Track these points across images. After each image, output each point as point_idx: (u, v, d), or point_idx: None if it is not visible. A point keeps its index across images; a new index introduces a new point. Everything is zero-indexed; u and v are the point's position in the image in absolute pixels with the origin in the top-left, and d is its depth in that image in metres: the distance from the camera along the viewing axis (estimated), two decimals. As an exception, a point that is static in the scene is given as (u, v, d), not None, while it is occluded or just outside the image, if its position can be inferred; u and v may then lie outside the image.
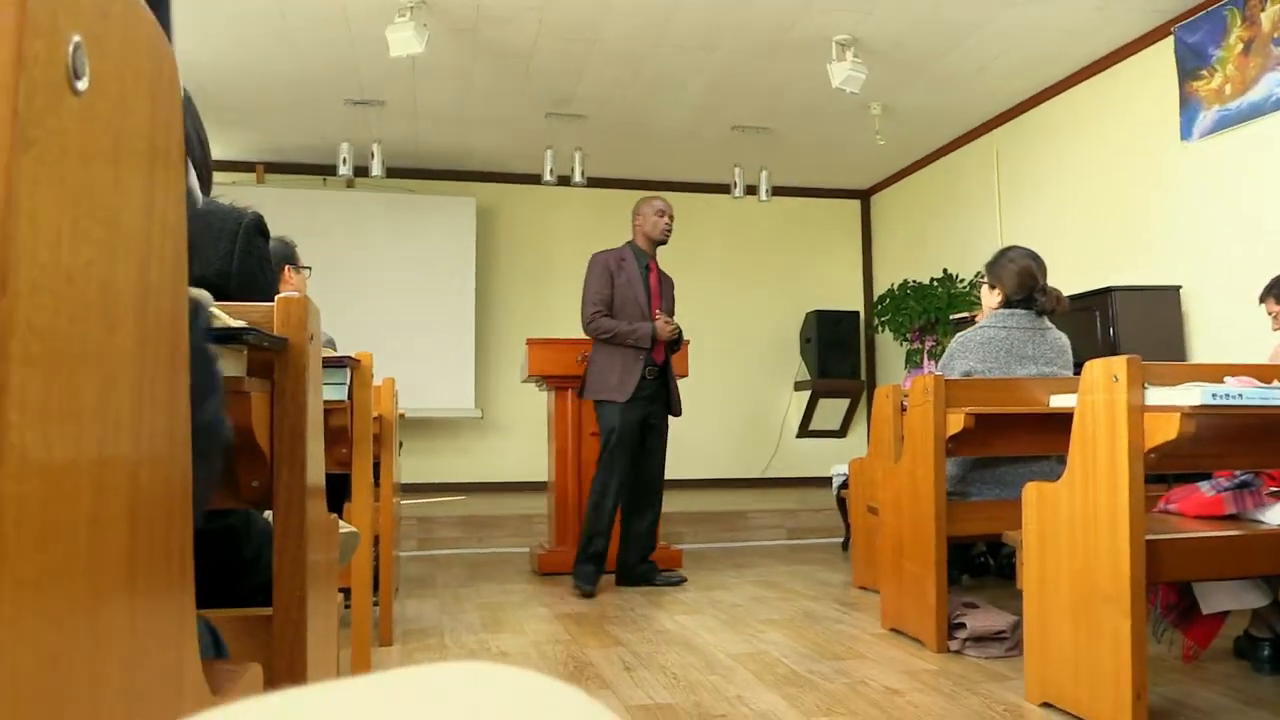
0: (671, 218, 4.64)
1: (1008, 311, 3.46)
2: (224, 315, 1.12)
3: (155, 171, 0.54)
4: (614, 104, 6.58)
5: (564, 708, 0.25)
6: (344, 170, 7.06)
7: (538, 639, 3.43)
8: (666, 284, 4.68)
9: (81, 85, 0.44)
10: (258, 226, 1.60)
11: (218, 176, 7.40)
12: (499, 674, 0.26)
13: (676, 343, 4.59)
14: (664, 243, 4.64)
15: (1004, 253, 3.58)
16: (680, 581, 4.53)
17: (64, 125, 0.43)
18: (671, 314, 4.63)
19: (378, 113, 6.62)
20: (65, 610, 0.42)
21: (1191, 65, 5.00)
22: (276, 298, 1.26)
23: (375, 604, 3.32)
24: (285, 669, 1.18)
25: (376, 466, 3.39)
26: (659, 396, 4.56)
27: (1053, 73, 5.99)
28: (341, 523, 2.08)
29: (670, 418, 4.64)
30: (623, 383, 4.46)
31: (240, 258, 1.55)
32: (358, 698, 0.23)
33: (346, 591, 2.97)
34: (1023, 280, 3.45)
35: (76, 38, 0.43)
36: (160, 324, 0.55)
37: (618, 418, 4.43)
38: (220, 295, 1.48)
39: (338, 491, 3.05)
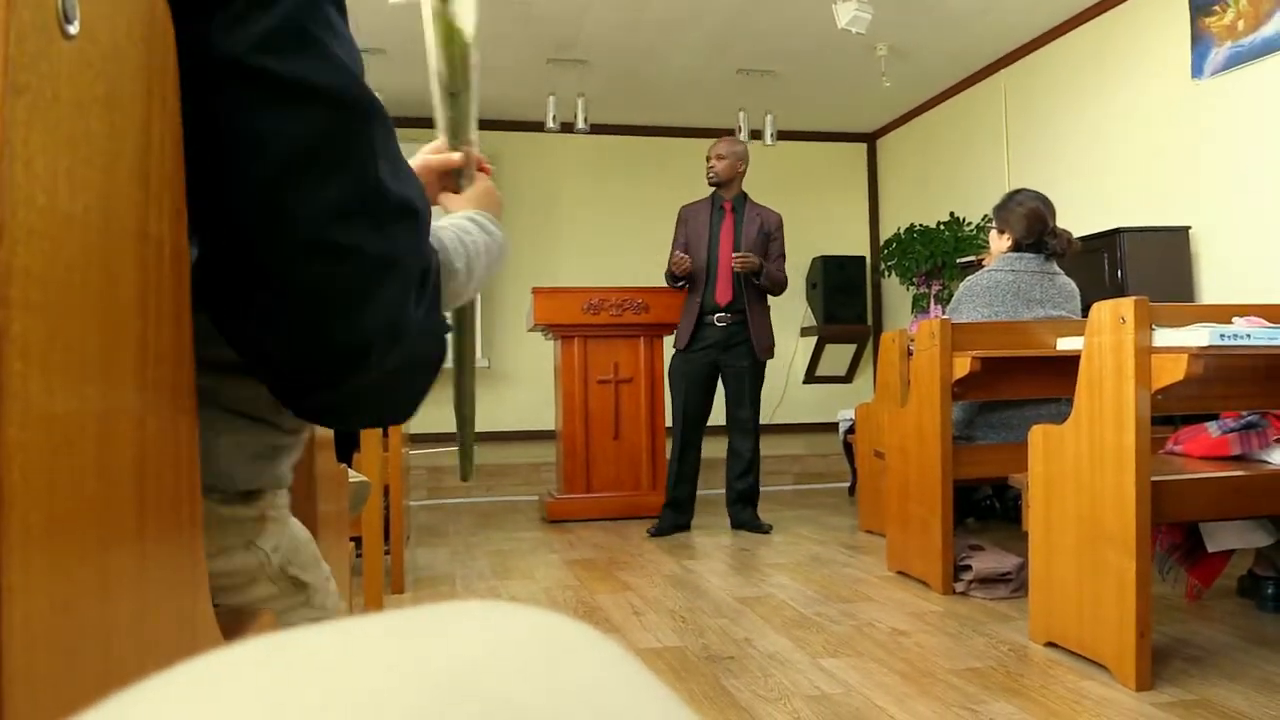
0: (719, 156, 4.64)
1: (1016, 255, 3.44)
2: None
3: (151, 117, 0.53)
4: (616, 49, 6.49)
5: (576, 642, 0.25)
6: (345, 120, 6.98)
7: (548, 585, 3.47)
8: (751, 223, 4.58)
9: (73, 29, 0.43)
10: None
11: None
12: (511, 610, 0.26)
13: (756, 275, 4.50)
14: (717, 185, 4.63)
15: (1012, 196, 3.55)
16: (767, 530, 4.52)
17: (56, 70, 0.42)
18: (765, 250, 4.53)
19: (379, 61, 6.53)
20: (75, 558, 0.43)
21: (1204, 1, 4.91)
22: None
23: (387, 552, 3.35)
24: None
25: (384, 417, 3.40)
26: (735, 341, 4.53)
27: (1062, 10, 5.89)
28: (352, 472, 2.09)
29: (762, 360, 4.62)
30: (682, 330, 4.60)
31: None
32: (368, 633, 0.24)
33: (358, 540, 3.00)
34: (1032, 223, 3.42)
35: (65, -20, 0.42)
36: (162, 272, 0.54)
37: (674, 365, 4.61)
38: None
39: (347, 442, 3.07)
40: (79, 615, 0.43)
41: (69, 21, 0.43)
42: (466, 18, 1.07)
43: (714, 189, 4.65)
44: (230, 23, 0.59)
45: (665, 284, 4.72)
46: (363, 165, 0.65)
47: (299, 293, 0.63)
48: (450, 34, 1.07)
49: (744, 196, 4.67)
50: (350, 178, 0.64)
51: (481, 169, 1.20)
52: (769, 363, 4.64)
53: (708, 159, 4.66)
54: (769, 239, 4.59)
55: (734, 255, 4.44)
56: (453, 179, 1.16)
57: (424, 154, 1.17)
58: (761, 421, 4.64)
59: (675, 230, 4.73)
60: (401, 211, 0.68)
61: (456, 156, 1.16)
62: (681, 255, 4.51)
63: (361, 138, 0.65)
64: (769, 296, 4.60)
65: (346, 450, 3.00)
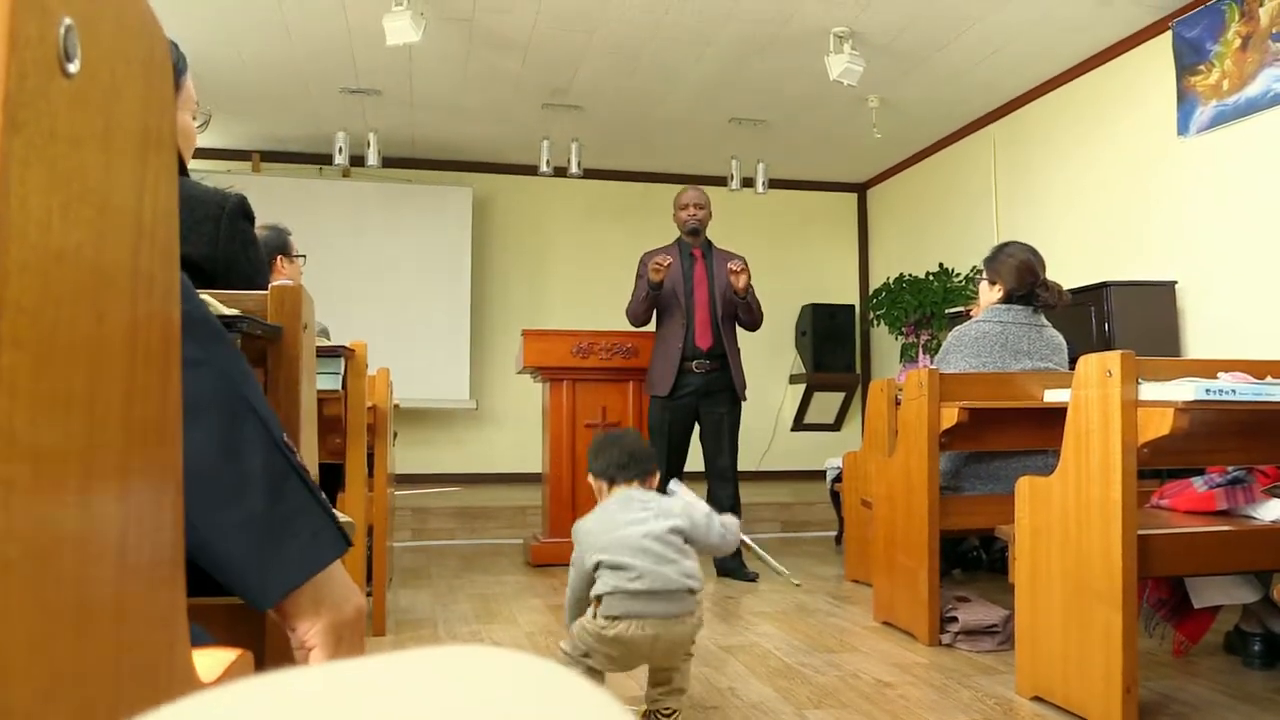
0: (699, 205, 4.67)
1: (1004, 306, 3.46)
2: (216, 303, 1.11)
3: (147, 156, 0.54)
4: (611, 95, 6.57)
5: (562, 689, 0.25)
6: (340, 159, 7.04)
7: (530, 630, 3.44)
8: (721, 267, 4.55)
9: (73, 68, 0.44)
10: (241, 209, 1.59)
11: (213, 165, 7.39)
12: (497, 656, 0.26)
13: (744, 296, 4.44)
14: (695, 233, 4.66)
15: (1002, 248, 3.58)
16: (753, 578, 4.44)
17: (54, 108, 0.42)
18: (736, 292, 4.48)
19: (374, 102, 6.59)
20: (54, 595, 0.42)
21: (1189, 60, 5.00)
22: (271, 285, 1.25)
23: (369, 594, 3.32)
24: (277, 657, 1.17)
25: (371, 456, 3.39)
26: (715, 387, 4.53)
27: (1051, 67, 5.99)
28: (337, 513, 2.07)
29: (741, 405, 4.61)
30: (663, 377, 4.52)
31: (224, 241, 1.54)
32: (354, 678, 0.23)
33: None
34: (1022, 275, 3.45)
35: (68, 20, 0.43)
36: (152, 310, 0.54)
37: (657, 413, 4.53)
38: (203, 279, 1.47)
39: (332, 481, 3.05)
40: (56, 654, 0.42)
41: (70, 60, 0.43)
42: None
43: (688, 238, 4.68)
44: None
45: (630, 325, 4.69)
46: None
47: None
48: None
49: (709, 242, 4.73)
50: None
51: None
52: (757, 411, 4.64)
53: (685, 207, 4.66)
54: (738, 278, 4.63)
55: (729, 265, 4.41)
56: None
57: None
58: (749, 468, 4.63)
59: (638, 280, 4.62)
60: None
61: None
62: (660, 260, 4.38)
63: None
64: (739, 339, 4.63)
65: (331, 490, 2.98)
